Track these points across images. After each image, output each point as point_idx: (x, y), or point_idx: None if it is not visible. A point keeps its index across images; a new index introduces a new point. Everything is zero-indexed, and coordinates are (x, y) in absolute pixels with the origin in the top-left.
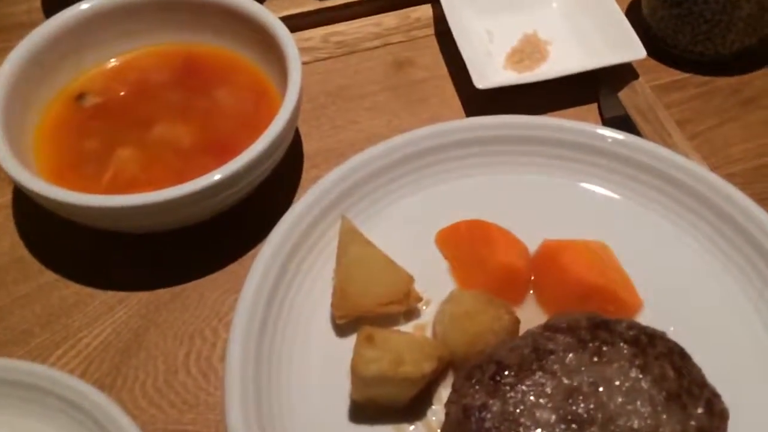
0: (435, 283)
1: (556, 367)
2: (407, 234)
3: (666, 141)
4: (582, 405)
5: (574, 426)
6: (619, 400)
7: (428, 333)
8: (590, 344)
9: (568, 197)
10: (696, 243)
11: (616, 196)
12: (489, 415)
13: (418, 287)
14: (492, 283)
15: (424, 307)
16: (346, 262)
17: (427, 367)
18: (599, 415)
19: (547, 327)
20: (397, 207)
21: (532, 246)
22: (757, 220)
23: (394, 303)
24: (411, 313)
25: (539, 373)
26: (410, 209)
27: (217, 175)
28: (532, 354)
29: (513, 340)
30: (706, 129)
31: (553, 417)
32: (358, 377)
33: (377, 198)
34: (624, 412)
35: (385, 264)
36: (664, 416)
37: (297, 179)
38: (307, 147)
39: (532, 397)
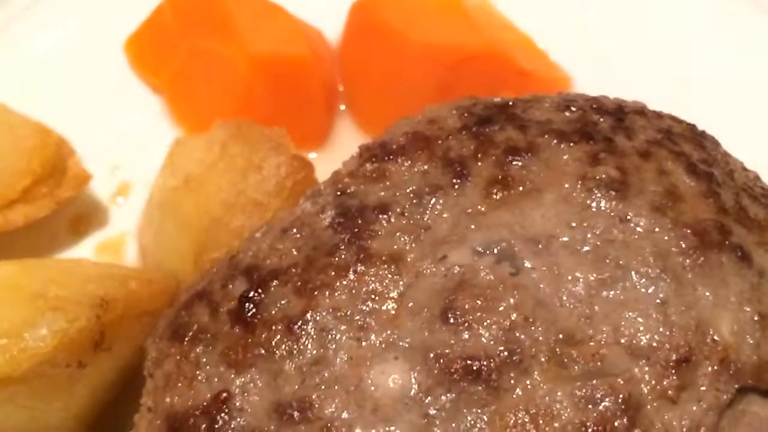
0: (136, 141)
1: (400, 241)
2: (59, 54)
3: None
4: (486, 324)
5: (479, 389)
6: (581, 285)
7: (130, 255)
8: (478, 162)
9: None
10: None
11: None
12: (233, 427)
13: (96, 158)
14: (247, 106)
15: (119, 200)
16: None
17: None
18: (538, 337)
19: (370, 154)
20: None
21: (335, 28)
22: None
23: (16, 202)
24: (87, 220)
25: (356, 270)
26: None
27: None
28: (335, 225)
29: (293, 211)
30: None
31: (415, 380)
32: None
33: None
34: (601, 315)
35: None
36: (707, 293)
37: None
38: None
39: (345, 347)
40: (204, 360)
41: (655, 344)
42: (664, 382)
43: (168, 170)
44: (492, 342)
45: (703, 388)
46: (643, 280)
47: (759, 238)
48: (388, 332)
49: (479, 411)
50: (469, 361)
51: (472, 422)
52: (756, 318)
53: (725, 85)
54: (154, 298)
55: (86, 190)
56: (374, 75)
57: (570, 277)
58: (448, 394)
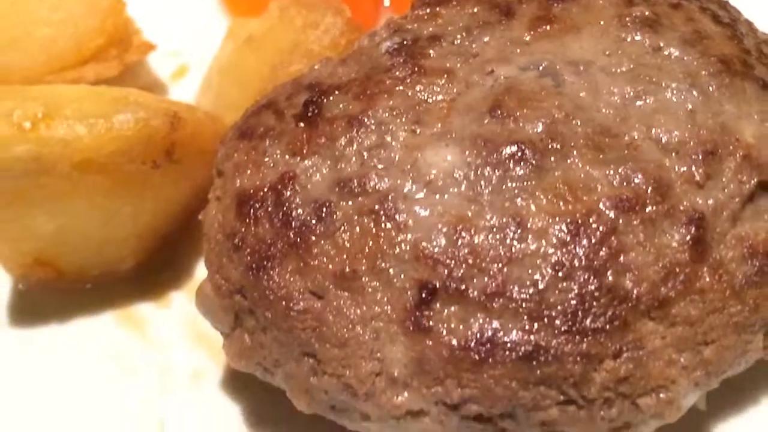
0: (194, 33)
1: (451, 60)
2: None
3: None
4: (530, 119)
5: (523, 167)
6: (617, 96)
7: None
8: (523, 5)
9: None
10: None
11: None
12: (297, 199)
13: (169, 41)
14: None
15: (177, 81)
16: None
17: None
18: (577, 130)
19: (422, 2)
20: None
21: None
22: None
23: (88, 60)
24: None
25: (411, 80)
26: None
27: None
28: (391, 51)
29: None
30: None
31: (465, 160)
32: None
33: None
34: (635, 118)
35: None
36: (731, 108)
37: None
38: None
39: (401, 137)
40: (270, 150)
41: (684, 140)
42: (692, 169)
43: (228, 41)
44: (536, 131)
45: (727, 178)
46: (674, 92)
47: None
48: (440, 125)
49: (523, 185)
50: (514, 146)
51: (516, 193)
52: None
53: None
54: (217, 137)
55: (146, 67)
56: None
57: (606, 91)
58: (495, 171)
